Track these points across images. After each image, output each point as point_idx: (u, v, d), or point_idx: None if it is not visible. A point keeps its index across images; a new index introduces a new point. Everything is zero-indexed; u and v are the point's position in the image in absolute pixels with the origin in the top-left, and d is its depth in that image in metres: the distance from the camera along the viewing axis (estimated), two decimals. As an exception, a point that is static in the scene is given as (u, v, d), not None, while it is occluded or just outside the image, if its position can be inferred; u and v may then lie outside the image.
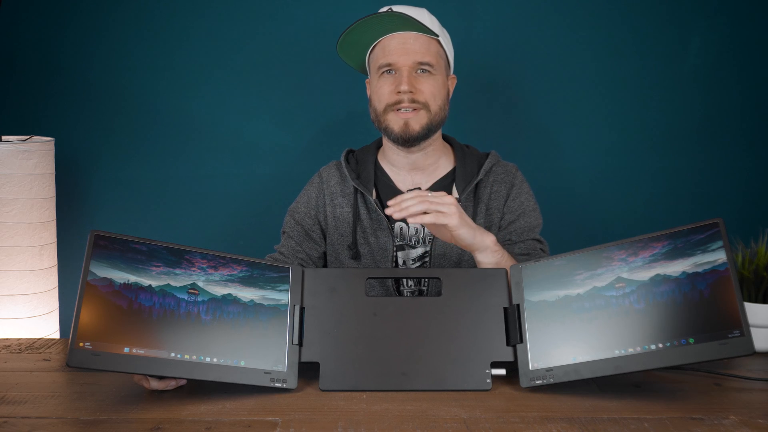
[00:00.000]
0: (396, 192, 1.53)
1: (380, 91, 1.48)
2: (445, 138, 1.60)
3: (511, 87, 2.12)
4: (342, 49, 1.52)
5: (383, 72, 1.48)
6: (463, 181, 1.51)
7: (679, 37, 2.09)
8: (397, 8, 1.48)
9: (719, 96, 2.11)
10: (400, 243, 1.51)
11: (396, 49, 1.46)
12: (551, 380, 1.10)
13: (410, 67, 1.45)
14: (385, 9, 1.49)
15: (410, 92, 1.45)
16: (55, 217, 1.99)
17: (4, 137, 1.96)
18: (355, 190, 1.53)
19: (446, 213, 1.25)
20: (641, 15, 2.08)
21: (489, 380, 1.12)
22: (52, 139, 1.98)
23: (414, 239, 1.51)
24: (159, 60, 2.10)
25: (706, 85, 2.10)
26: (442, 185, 1.53)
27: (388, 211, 1.25)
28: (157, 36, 2.09)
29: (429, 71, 1.47)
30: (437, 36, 1.49)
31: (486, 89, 2.10)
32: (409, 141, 1.47)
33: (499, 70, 2.10)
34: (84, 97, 2.11)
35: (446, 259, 1.49)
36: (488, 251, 1.31)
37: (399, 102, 1.46)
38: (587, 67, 2.10)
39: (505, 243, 1.48)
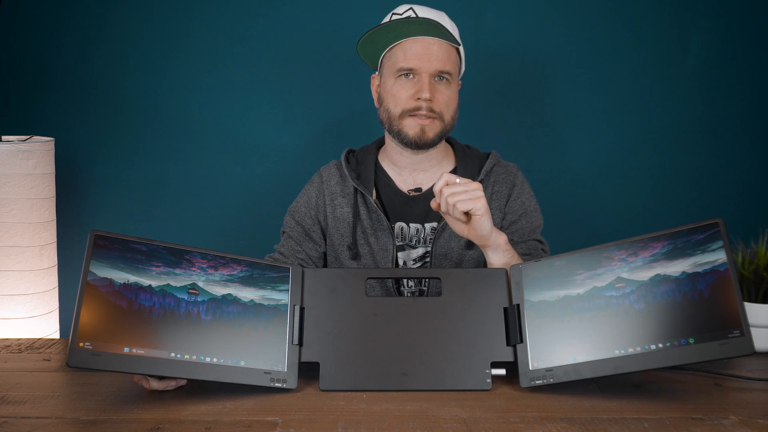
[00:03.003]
0: (396, 192, 1.53)
1: (398, 95, 1.46)
2: (446, 139, 1.60)
3: (511, 87, 2.12)
4: (362, 47, 1.50)
5: (401, 75, 1.46)
6: None
7: (679, 37, 2.09)
8: (419, 9, 1.46)
9: (719, 96, 2.11)
10: (401, 243, 1.51)
11: (418, 54, 1.44)
12: (551, 380, 1.10)
13: (431, 74, 1.44)
14: (405, 7, 1.47)
15: (429, 100, 1.44)
16: (55, 217, 1.99)
17: (4, 137, 1.96)
18: (355, 190, 1.53)
19: (472, 198, 1.24)
20: (641, 15, 2.08)
21: (489, 380, 1.12)
22: (52, 139, 1.98)
23: (414, 239, 1.51)
24: (159, 60, 2.10)
25: (706, 85, 2.10)
26: (443, 185, 1.53)
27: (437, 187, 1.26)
28: (157, 36, 2.09)
29: (447, 80, 1.46)
30: (459, 45, 1.48)
31: (486, 89, 2.10)
32: (421, 147, 1.47)
33: (499, 70, 2.10)
34: (84, 97, 2.11)
35: (447, 259, 1.49)
36: (500, 250, 1.31)
37: (417, 108, 1.44)
38: (587, 67, 2.10)
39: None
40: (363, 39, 1.48)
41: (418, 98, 1.44)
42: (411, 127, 1.46)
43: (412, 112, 1.45)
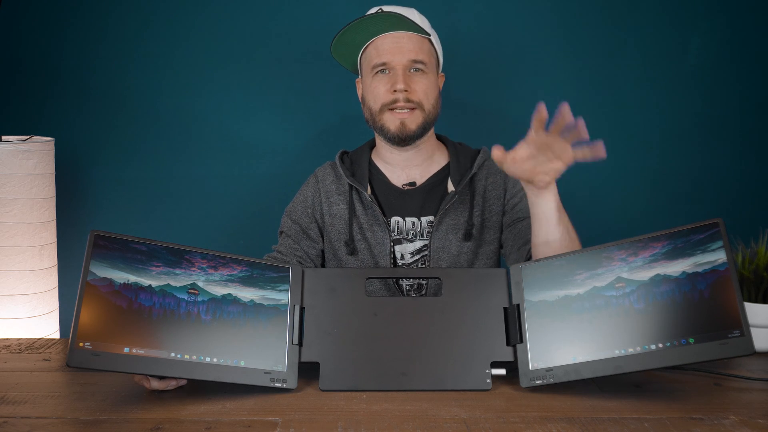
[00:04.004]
0: (391, 187, 1.55)
1: (375, 91, 1.49)
2: (438, 137, 1.62)
3: (508, 87, 2.12)
4: (336, 50, 1.54)
5: (377, 71, 1.49)
6: (458, 175, 1.53)
7: (679, 37, 2.09)
8: (388, 9, 1.49)
9: (719, 96, 2.11)
10: (397, 237, 1.52)
11: (390, 48, 1.48)
12: (551, 380, 1.10)
13: (404, 66, 1.47)
14: (374, 10, 1.51)
15: (405, 91, 1.46)
16: (55, 217, 1.99)
17: (4, 137, 1.96)
18: (351, 187, 1.54)
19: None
20: (641, 15, 2.08)
21: (489, 380, 1.12)
22: (52, 139, 1.98)
23: (411, 233, 1.52)
24: (159, 60, 2.10)
25: (706, 85, 2.10)
26: (437, 179, 1.55)
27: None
28: (156, 36, 2.09)
29: (422, 70, 1.49)
30: (429, 35, 1.51)
31: (483, 88, 2.10)
32: (405, 140, 1.49)
33: (495, 70, 2.10)
34: (84, 97, 2.11)
35: (445, 251, 1.50)
36: (556, 191, 1.29)
37: (395, 101, 1.47)
38: (587, 67, 2.10)
39: (514, 221, 1.50)
40: (334, 42, 1.52)
41: (395, 90, 1.46)
42: (391, 121, 1.48)
43: (390, 106, 1.48)
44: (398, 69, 1.47)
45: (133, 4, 2.08)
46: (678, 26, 2.08)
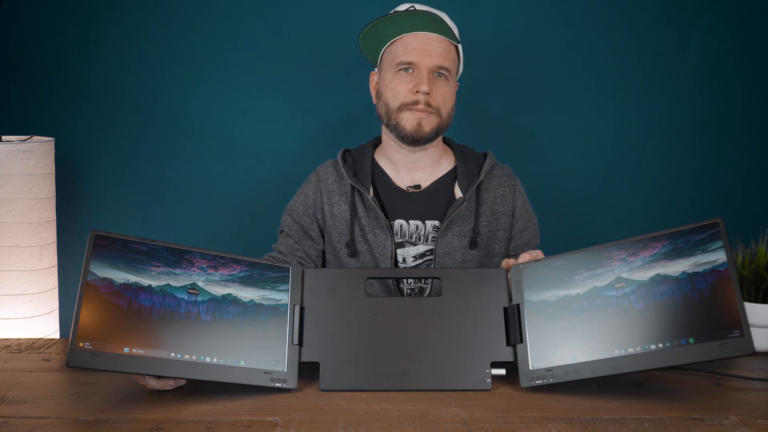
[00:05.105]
0: (395, 189, 1.54)
1: (397, 89, 1.48)
2: (443, 140, 1.61)
3: (509, 87, 2.12)
4: (364, 39, 1.52)
5: (401, 69, 1.47)
6: (465, 181, 1.52)
7: (679, 37, 2.09)
8: (420, 8, 1.48)
9: (719, 96, 2.11)
10: (400, 240, 1.51)
11: (418, 48, 1.46)
12: (551, 380, 1.10)
13: (430, 69, 1.46)
14: (406, 5, 1.49)
15: (427, 94, 1.45)
16: (55, 217, 1.99)
17: (4, 137, 1.96)
18: (353, 188, 1.53)
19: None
20: (641, 15, 2.08)
21: (489, 380, 1.12)
22: (52, 139, 1.98)
23: (415, 236, 1.51)
24: (159, 60, 2.10)
25: (706, 85, 2.10)
26: (443, 183, 1.54)
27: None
28: (157, 36, 2.09)
29: (445, 76, 1.48)
30: (458, 43, 1.50)
31: (484, 88, 2.10)
32: (418, 141, 1.48)
33: (497, 70, 2.10)
34: (84, 97, 2.11)
35: (450, 257, 1.49)
36: None
37: (416, 102, 1.46)
38: (587, 68, 2.10)
39: (521, 246, 1.54)
40: (364, 31, 1.50)
41: (417, 91, 1.45)
42: (408, 120, 1.47)
43: (410, 106, 1.46)
44: (423, 71, 1.45)
45: (133, 4, 2.08)
46: (678, 26, 2.08)
